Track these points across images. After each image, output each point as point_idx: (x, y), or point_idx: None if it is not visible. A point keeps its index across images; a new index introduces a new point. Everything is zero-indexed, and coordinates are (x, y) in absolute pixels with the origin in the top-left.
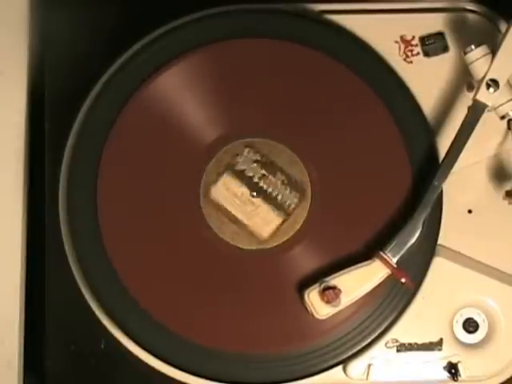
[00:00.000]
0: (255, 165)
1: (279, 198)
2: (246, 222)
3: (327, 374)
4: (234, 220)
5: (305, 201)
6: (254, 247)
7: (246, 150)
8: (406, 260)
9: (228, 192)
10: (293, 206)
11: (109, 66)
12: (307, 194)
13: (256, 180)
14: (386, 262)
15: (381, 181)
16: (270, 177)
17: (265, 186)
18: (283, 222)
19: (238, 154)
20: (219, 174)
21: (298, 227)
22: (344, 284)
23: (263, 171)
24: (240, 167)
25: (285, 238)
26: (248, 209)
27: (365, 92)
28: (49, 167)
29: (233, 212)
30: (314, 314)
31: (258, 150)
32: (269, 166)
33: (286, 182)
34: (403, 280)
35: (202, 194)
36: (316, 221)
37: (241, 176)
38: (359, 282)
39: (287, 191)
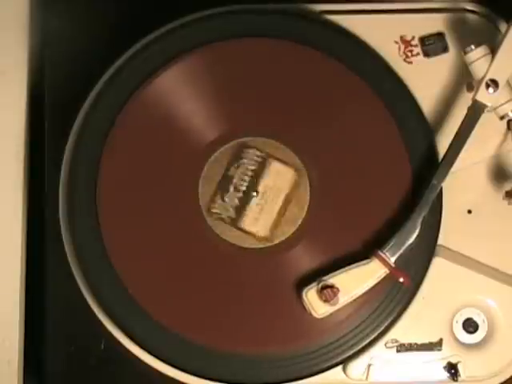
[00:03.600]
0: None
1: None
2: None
3: (327, 374)
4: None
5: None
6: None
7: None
8: (406, 260)
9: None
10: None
11: (109, 66)
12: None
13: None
14: (384, 262)
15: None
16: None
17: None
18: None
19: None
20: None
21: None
22: (342, 283)
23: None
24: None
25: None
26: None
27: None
28: (49, 167)
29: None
30: (312, 312)
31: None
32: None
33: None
34: (401, 279)
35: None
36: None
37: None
38: (357, 281)
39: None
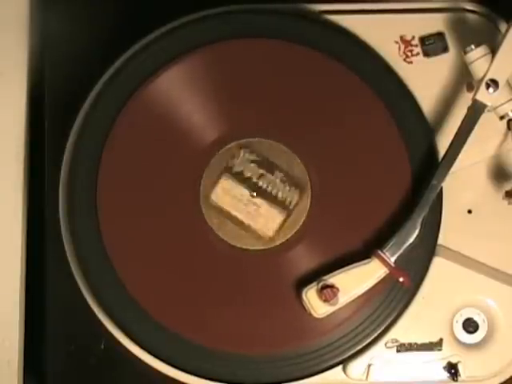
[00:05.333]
0: (253, 165)
1: (279, 195)
2: (249, 222)
3: (327, 374)
4: (238, 222)
5: (304, 200)
6: (253, 247)
7: (242, 151)
8: (406, 260)
9: (228, 196)
10: (294, 202)
11: (109, 67)
12: (307, 194)
13: (255, 180)
14: (384, 261)
15: (380, 180)
16: (269, 175)
17: (264, 185)
18: (286, 219)
19: (234, 157)
20: (219, 176)
21: (297, 227)
22: (342, 283)
23: (261, 170)
24: (237, 169)
25: (285, 238)
26: (250, 209)
27: (365, 92)
28: (49, 167)
29: (235, 214)
30: (312, 312)
31: (255, 150)
32: (266, 164)
33: (284, 179)
34: (401, 279)
35: (202, 194)
36: (315, 220)
37: (239, 178)
38: (357, 280)
39: (287, 188)
